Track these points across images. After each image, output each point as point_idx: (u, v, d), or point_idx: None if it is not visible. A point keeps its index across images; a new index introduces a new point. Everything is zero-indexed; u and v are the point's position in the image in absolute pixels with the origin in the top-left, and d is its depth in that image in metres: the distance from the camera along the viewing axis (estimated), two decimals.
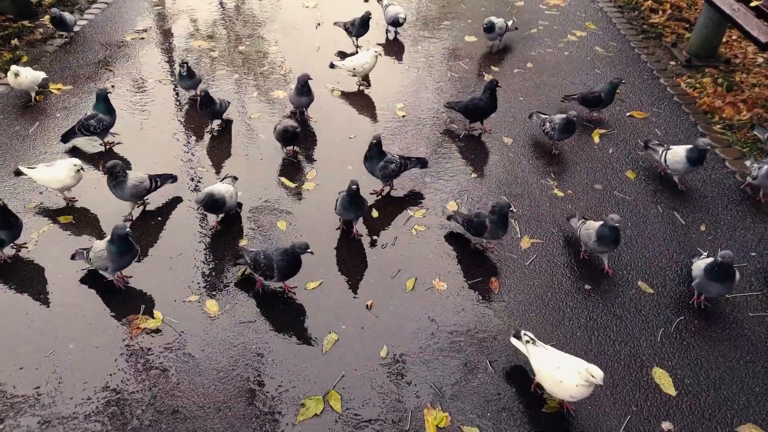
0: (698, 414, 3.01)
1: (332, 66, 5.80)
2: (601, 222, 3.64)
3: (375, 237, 4.09)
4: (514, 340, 3.16)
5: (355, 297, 3.64)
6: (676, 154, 4.38)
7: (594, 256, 3.87)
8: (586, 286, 3.73)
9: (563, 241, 4.07)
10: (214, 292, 3.65)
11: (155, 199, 4.32)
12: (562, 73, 6.13)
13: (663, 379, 3.17)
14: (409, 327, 3.45)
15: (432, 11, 7.45)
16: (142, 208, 4.23)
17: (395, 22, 6.50)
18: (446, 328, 3.46)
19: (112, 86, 5.62)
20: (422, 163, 4.50)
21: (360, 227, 4.10)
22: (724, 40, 6.50)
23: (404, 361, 3.26)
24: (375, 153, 4.21)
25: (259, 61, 6.28)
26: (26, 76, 5.26)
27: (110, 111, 4.79)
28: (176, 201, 4.36)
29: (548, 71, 6.16)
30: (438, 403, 3.05)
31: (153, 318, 3.47)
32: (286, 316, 3.53)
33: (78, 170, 4.12)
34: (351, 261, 3.90)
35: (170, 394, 3.06)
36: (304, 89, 5.03)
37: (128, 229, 3.36)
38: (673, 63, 6.46)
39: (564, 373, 2.79)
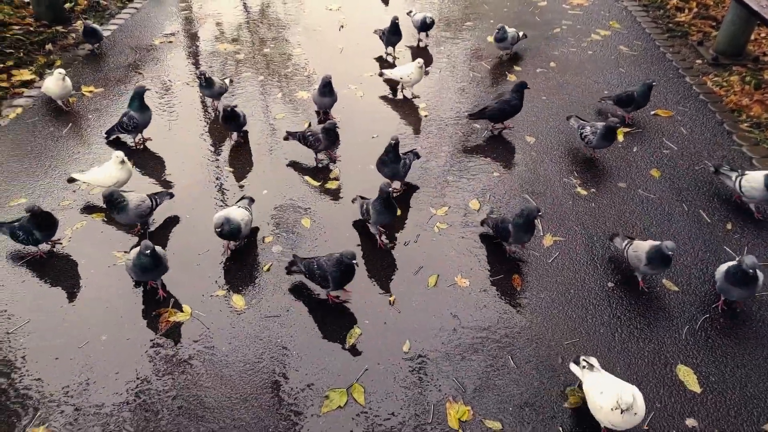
0: (723, 411, 2.99)
1: (381, 75, 5.77)
2: (654, 244, 3.46)
3: (397, 235, 4.13)
4: (573, 366, 3.08)
5: (379, 293, 3.69)
6: (753, 179, 4.04)
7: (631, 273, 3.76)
8: (609, 284, 3.72)
9: (586, 240, 4.06)
10: (240, 288, 3.73)
11: (182, 199, 4.43)
12: (585, 72, 6.11)
13: (687, 376, 3.15)
14: (432, 323, 3.49)
15: (455, 12, 7.49)
16: (151, 229, 4.22)
17: (423, 25, 6.51)
18: (468, 324, 3.48)
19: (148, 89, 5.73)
20: (416, 155, 4.53)
21: (384, 225, 4.14)
22: (752, 37, 6.41)
23: (427, 356, 3.30)
24: (393, 156, 4.24)
25: (283, 63, 6.39)
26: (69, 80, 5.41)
27: (143, 109, 4.92)
28: (202, 199, 4.47)
29: (571, 70, 6.15)
30: (460, 397, 3.08)
31: (182, 312, 3.56)
32: (310, 311, 3.59)
33: (122, 161, 4.24)
34: (374, 258, 3.95)
35: (198, 385, 3.15)
36: (326, 89, 5.10)
37: (149, 251, 3.35)
38: (699, 62, 6.39)
39: (605, 398, 2.74)
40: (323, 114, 5.37)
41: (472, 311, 3.56)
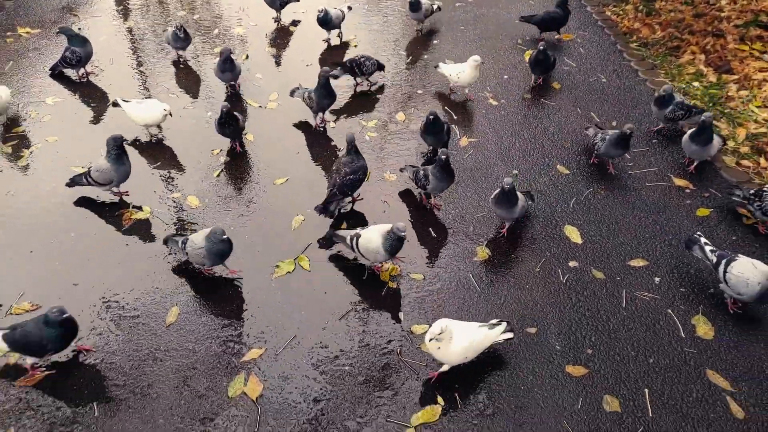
0: (598, 254, 3.73)
1: (436, 67, 5.29)
2: (617, 131, 4.15)
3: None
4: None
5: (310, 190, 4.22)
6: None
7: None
8: (514, 171, 4.39)
9: (496, 139, 4.71)
10: (194, 191, 4.18)
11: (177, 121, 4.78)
12: (499, 4, 6.72)
13: (572, 233, 3.87)
14: (362, 205, 4.06)
15: None
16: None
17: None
18: (397, 209, 4.08)
19: (79, 29, 5.88)
20: (380, 66, 5.21)
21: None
22: None
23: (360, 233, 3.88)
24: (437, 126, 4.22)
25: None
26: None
27: (83, 42, 5.18)
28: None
29: (486, 3, 6.75)
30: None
31: (142, 210, 4.00)
32: (256, 205, 4.09)
33: (165, 114, 4.49)
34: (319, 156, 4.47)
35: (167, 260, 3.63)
36: (226, 65, 4.91)
37: (225, 236, 3.30)
38: None
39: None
40: (229, 87, 5.26)
41: (397, 197, 4.16)
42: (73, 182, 3.98)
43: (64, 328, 2.90)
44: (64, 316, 2.87)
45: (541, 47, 5.06)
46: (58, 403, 2.90)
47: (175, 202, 4.10)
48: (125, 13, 6.54)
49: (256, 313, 3.37)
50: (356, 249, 3.47)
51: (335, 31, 6.10)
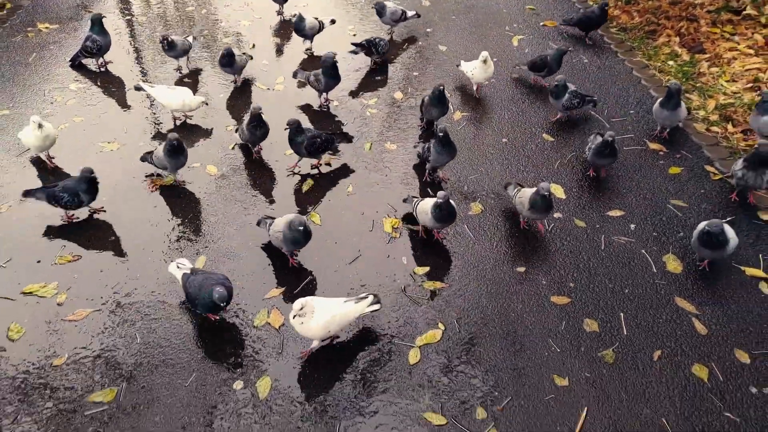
0: (580, 207, 4.14)
1: (458, 65, 5.45)
2: (534, 190, 3.74)
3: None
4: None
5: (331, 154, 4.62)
6: None
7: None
8: (504, 140, 4.81)
9: (488, 111, 5.13)
10: (212, 161, 4.58)
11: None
12: None
13: (556, 189, 4.28)
14: (367, 170, 4.47)
15: None
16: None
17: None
18: (396, 176, 4.49)
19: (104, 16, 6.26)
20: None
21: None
22: None
23: (367, 190, 4.28)
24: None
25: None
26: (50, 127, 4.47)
27: (103, 33, 5.58)
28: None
29: None
30: (393, 214, 4.10)
31: (166, 178, 4.39)
32: (269, 172, 4.49)
33: (202, 102, 4.87)
34: None
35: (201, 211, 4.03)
36: (224, 60, 5.20)
37: (301, 227, 3.40)
38: None
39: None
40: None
41: (400, 165, 4.57)
42: (143, 159, 4.39)
43: (92, 183, 3.87)
44: (93, 174, 3.86)
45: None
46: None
47: (196, 170, 4.49)
48: (130, 10, 6.95)
49: (274, 260, 3.77)
50: (415, 211, 3.83)
51: (307, 43, 6.01)
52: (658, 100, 4.66)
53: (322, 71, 4.99)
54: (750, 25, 6.34)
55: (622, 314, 3.41)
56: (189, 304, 3.34)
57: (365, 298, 3.24)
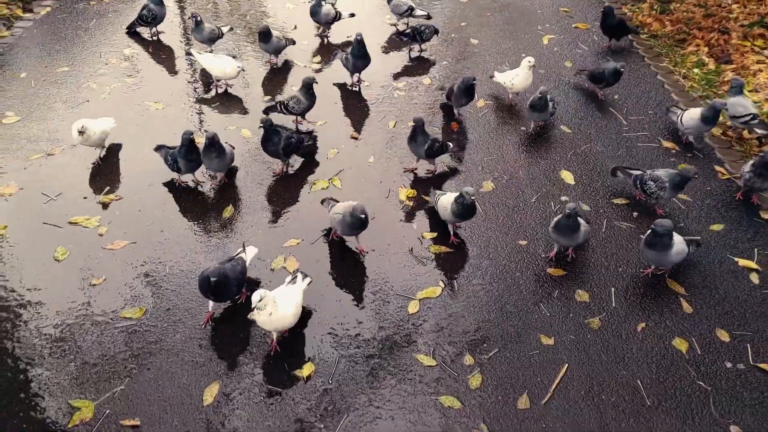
0: (587, 193, 4.35)
1: (491, 77, 5.45)
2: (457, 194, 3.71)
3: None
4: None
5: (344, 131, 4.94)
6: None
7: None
8: (522, 128, 5.04)
9: (506, 103, 5.37)
10: (247, 125, 4.94)
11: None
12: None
13: (567, 176, 4.50)
14: (388, 145, 4.76)
15: None
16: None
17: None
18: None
19: None
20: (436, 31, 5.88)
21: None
22: None
23: (386, 162, 4.58)
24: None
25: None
26: (94, 131, 4.34)
27: (160, 4, 6.01)
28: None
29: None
30: (409, 184, 4.38)
31: None
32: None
33: (239, 71, 5.22)
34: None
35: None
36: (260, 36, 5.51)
37: (363, 215, 3.52)
38: None
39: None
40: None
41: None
42: (269, 110, 4.80)
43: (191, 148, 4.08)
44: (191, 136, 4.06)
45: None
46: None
47: (231, 132, 4.86)
48: None
49: (295, 216, 4.10)
50: (436, 205, 3.94)
51: (322, 29, 6.26)
52: (700, 112, 4.60)
53: (351, 52, 5.30)
54: None
55: (613, 289, 3.62)
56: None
57: (295, 277, 3.39)
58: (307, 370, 3.13)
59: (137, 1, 6.78)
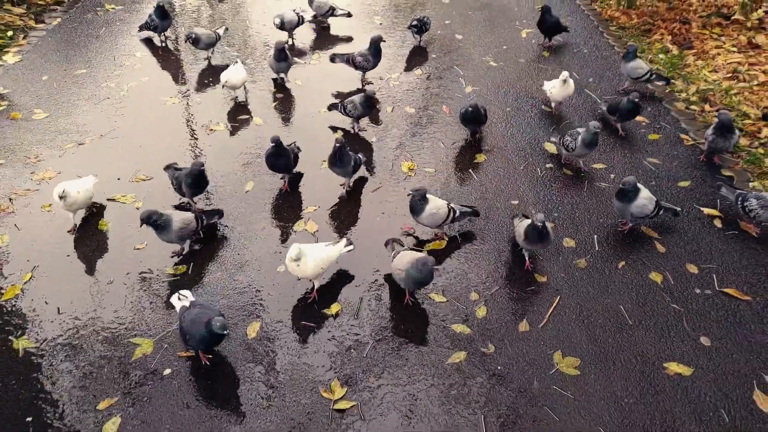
0: (571, 160, 4.88)
1: (542, 86, 5.66)
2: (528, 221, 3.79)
3: None
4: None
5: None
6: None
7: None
8: (508, 109, 5.57)
9: (495, 89, 5.90)
10: (258, 114, 5.40)
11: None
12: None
13: (551, 147, 5.02)
14: (388, 126, 5.25)
15: None
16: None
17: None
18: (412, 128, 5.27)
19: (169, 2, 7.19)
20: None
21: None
22: None
23: (389, 141, 5.06)
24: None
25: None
26: (78, 191, 4.00)
27: (164, 17, 6.44)
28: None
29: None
30: (409, 158, 4.87)
31: (218, 125, 5.22)
32: (313, 119, 5.30)
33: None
34: None
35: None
36: (281, 55, 5.59)
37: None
38: None
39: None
40: (280, 79, 5.91)
41: (414, 124, 5.35)
42: (334, 58, 5.61)
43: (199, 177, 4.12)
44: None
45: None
46: None
47: (245, 121, 5.32)
48: None
49: (311, 184, 4.57)
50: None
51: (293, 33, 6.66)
52: (712, 127, 4.67)
53: (370, 51, 5.63)
54: (736, 28, 7.08)
55: (595, 236, 4.13)
56: (182, 340, 3.24)
57: (339, 241, 3.74)
58: (334, 309, 3.58)
59: (142, 11, 7.25)
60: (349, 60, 5.71)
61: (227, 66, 5.62)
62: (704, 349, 3.36)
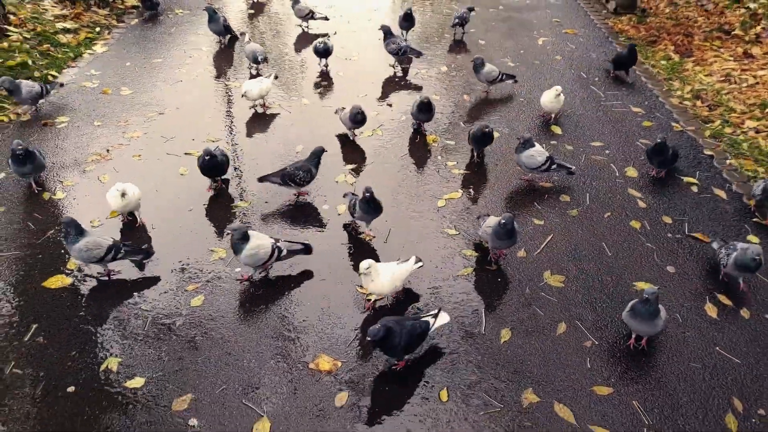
0: (571, 139, 5.67)
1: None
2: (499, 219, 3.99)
3: None
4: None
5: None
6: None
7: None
8: (521, 100, 6.42)
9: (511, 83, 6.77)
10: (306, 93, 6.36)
11: None
12: (523, 11, 8.92)
13: (555, 129, 5.84)
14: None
15: None
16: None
17: (255, 59, 6.69)
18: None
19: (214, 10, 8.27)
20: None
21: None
22: None
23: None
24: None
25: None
26: (134, 193, 4.36)
27: (213, 20, 7.39)
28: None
29: (512, 9, 8.96)
30: (434, 133, 5.73)
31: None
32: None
33: (275, 77, 6.37)
34: None
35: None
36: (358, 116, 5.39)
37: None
38: (605, 11, 9.23)
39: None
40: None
41: (441, 109, 6.22)
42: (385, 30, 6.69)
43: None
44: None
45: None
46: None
47: (294, 101, 6.28)
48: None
49: (342, 153, 5.46)
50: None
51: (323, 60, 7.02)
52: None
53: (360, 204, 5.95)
54: (735, 42, 7.85)
55: (587, 194, 4.91)
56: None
57: (409, 259, 3.86)
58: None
59: (205, 15, 8.34)
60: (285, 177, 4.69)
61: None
62: (669, 274, 4.11)
